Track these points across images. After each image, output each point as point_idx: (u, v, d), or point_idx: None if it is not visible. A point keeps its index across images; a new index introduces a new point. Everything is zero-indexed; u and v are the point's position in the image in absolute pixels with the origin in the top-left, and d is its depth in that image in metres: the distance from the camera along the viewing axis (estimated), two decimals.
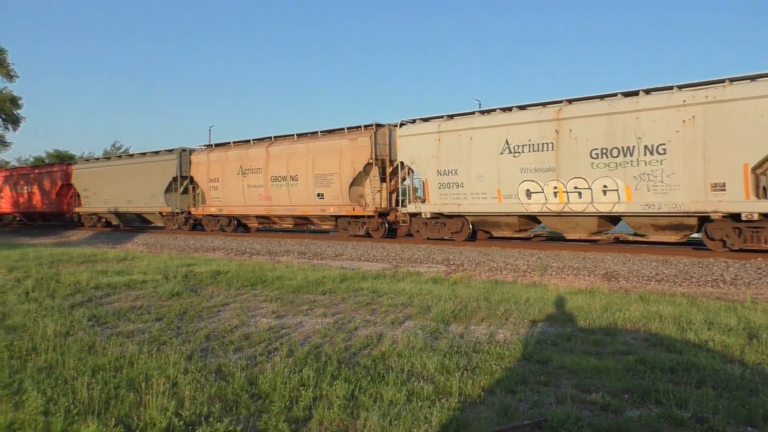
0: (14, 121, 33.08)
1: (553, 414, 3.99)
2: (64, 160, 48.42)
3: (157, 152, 27.06)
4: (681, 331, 6.45)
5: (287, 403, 4.30)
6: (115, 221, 30.86)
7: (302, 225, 22.99)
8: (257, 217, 23.23)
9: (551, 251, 14.23)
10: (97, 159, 34.28)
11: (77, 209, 32.16)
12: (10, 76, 31.51)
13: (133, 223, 30.42)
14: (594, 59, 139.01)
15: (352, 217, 19.61)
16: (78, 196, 31.98)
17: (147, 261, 14.40)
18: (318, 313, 7.86)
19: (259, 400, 4.44)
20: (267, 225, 24.15)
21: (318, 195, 20.09)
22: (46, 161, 55.93)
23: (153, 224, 29.16)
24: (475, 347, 5.88)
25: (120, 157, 32.27)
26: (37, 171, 35.33)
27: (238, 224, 24.66)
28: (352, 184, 19.14)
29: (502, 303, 8.28)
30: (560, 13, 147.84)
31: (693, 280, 10.56)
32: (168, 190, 25.63)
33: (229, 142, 24.22)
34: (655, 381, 4.73)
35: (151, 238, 23.52)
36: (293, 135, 21.66)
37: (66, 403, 4.18)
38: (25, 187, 34.77)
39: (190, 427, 3.89)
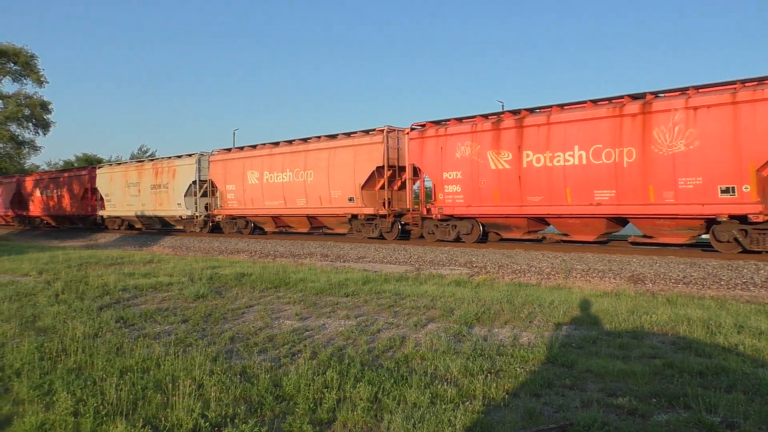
0: (44, 126, 33.77)
1: (579, 418, 3.94)
2: (91, 163, 49.14)
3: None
4: (710, 334, 6.32)
5: (311, 405, 4.32)
6: None
7: None
8: None
9: (575, 253, 14.07)
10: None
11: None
12: (40, 82, 32.24)
13: None
14: (603, 61, 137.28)
15: None
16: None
17: (173, 263, 14.60)
18: (341, 315, 7.89)
19: (284, 402, 4.47)
20: None
21: None
22: (75, 165, 56.88)
23: None
24: (499, 350, 5.84)
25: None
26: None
27: None
28: None
29: (525, 305, 8.21)
30: (577, 15, 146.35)
31: (722, 282, 10.34)
32: None
33: None
34: (684, 385, 4.64)
35: (176, 240, 23.81)
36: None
37: (95, 404, 4.25)
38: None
39: (216, 429, 3.93)
